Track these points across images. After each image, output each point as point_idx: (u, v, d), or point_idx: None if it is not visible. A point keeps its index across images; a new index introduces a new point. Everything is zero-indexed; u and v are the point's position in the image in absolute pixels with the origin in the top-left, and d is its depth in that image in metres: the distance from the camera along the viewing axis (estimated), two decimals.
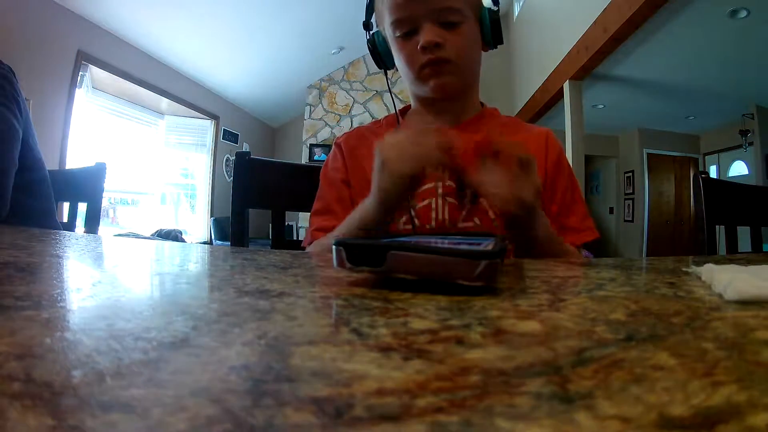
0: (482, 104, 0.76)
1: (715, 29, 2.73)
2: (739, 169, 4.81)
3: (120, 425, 0.07)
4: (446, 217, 0.66)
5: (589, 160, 5.29)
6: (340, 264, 0.21)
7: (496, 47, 0.70)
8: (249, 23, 3.80)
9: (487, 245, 0.22)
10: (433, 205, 0.66)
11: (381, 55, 0.70)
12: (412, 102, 0.76)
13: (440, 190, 0.67)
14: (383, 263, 0.20)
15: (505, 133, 0.69)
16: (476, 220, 0.66)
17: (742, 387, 0.09)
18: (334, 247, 0.21)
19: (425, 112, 0.73)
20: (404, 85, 0.73)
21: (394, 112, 0.75)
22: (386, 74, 0.75)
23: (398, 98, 0.79)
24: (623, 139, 5.93)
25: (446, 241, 0.27)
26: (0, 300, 0.16)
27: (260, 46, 4.21)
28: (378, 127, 0.77)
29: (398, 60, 0.68)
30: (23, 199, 0.86)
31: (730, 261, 0.30)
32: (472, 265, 0.18)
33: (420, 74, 0.65)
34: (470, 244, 0.24)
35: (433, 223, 0.66)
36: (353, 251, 0.21)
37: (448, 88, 0.66)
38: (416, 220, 0.65)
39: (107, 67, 3.55)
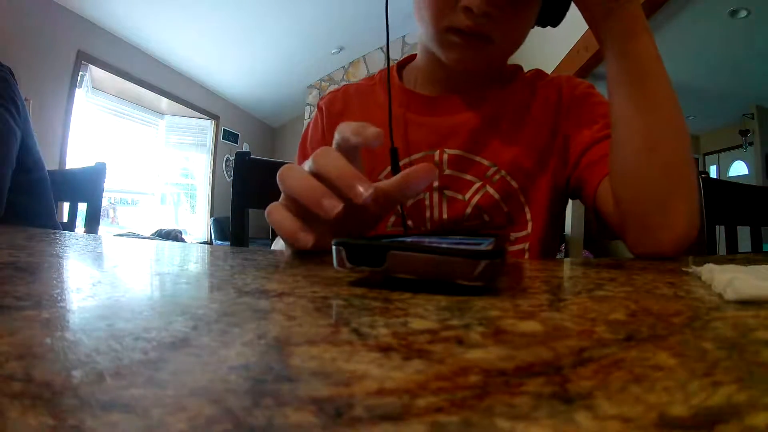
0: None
1: (715, 29, 2.73)
2: (739, 169, 4.82)
3: (120, 425, 0.07)
4: (445, 215, 0.54)
5: None
6: (340, 264, 0.21)
7: (545, 26, 0.53)
8: (249, 23, 3.80)
9: (488, 245, 0.22)
10: (427, 202, 0.54)
11: None
12: (419, 51, 0.58)
13: (436, 183, 0.54)
14: (383, 263, 0.20)
15: (522, 96, 0.56)
16: (485, 217, 0.53)
17: (742, 387, 0.09)
18: (334, 247, 0.21)
19: (432, 72, 0.56)
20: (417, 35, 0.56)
21: (391, 95, 0.56)
22: (386, 16, 0.55)
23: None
24: None
25: (446, 241, 0.27)
26: (0, 300, 0.16)
27: (260, 46, 4.21)
28: (371, 85, 0.62)
29: (419, 3, 0.49)
30: (23, 199, 0.86)
31: (730, 261, 0.30)
32: (472, 265, 0.18)
33: (443, 36, 0.48)
34: (470, 244, 0.24)
35: (428, 224, 0.54)
36: (353, 251, 0.21)
37: (474, 68, 0.50)
38: (409, 221, 0.54)
39: (107, 67, 3.56)
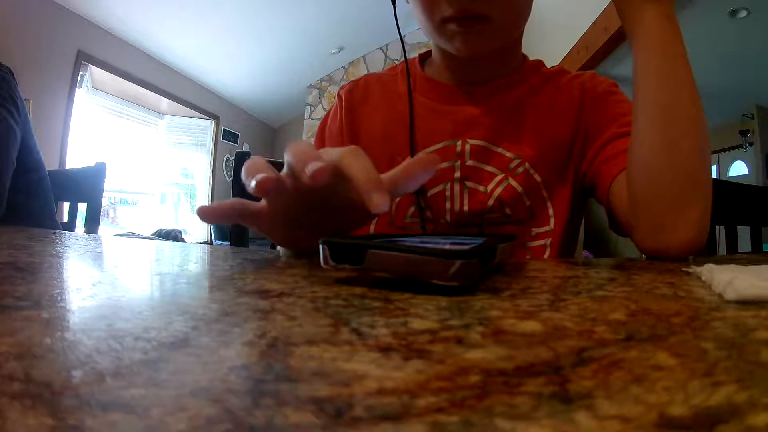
0: (524, 56, 0.59)
1: (715, 29, 2.73)
2: (739, 169, 4.81)
3: (120, 425, 0.07)
4: (466, 207, 0.52)
5: None
6: (325, 262, 0.22)
7: None
8: (249, 23, 3.79)
9: (469, 246, 0.22)
10: (448, 193, 0.53)
11: None
12: (432, 48, 0.59)
13: (458, 173, 0.53)
14: (363, 261, 0.20)
15: (546, 90, 0.56)
16: (507, 210, 0.52)
17: (742, 387, 0.09)
18: (320, 246, 0.22)
19: (448, 67, 0.56)
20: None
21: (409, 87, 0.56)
22: (396, 16, 0.57)
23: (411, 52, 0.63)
24: None
25: (437, 241, 0.27)
26: (0, 300, 0.16)
27: (260, 46, 4.21)
28: (392, 75, 0.61)
29: (413, 2, 0.50)
30: (23, 199, 0.86)
31: (730, 261, 0.30)
32: (446, 265, 0.18)
33: (441, 29, 0.48)
34: (456, 244, 0.24)
35: (448, 216, 0.53)
36: (335, 249, 0.21)
37: (482, 50, 0.49)
38: (427, 213, 0.53)
39: (107, 67, 3.55)
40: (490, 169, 0.53)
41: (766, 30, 2.66)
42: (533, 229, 0.53)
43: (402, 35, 0.59)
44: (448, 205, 0.53)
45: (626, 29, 0.43)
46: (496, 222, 0.53)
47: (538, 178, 0.52)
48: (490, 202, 0.52)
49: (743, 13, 2.56)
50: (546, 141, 0.53)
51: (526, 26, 0.54)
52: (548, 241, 0.53)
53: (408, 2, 0.53)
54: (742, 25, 2.67)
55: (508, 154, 0.53)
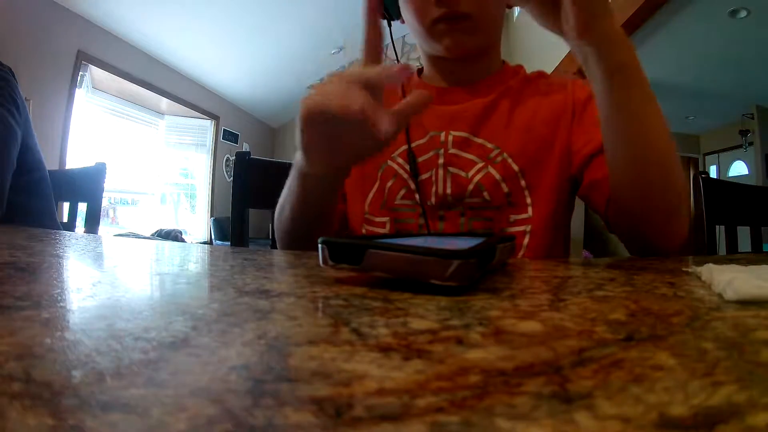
0: (504, 63, 0.66)
1: (715, 29, 2.73)
2: (739, 169, 4.81)
3: (120, 425, 0.07)
4: (448, 191, 0.58)
5: None
6: (324, 261, 0.22)
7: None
8: (249, 23, 3.80)
9: (468, 246, 0.22)
10: (434, 178, 0.58)
11: (384, 3, 0.58)
12: (423, 61, 0.66)
13: (441, 160, 0.58)
14: (362, 261, 0.20)
15: (526, 89, 0.61)
16: (486, 195, 0.56)
17: (742, 387, 0.09)
18: (319, 245, 0.22)
19: (436, 72, 0.63)
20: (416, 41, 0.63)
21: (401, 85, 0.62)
22: (389, 23, 0.61)
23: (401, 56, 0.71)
24: None
25: (432, 240, 0.27)
26: (0, 300, 0.16)
27: (260, 46, 4.21)
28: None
29: (405, 10, 0.57)
30: (23, 199, 0.86)
31: (730, 261, 0.30)
32: (444, 265, 0.19)
33: (432, 30, 0.55)
34: (452, 244, 0.23)
35: (433, 199, 0.58)
36: (334, 249, 0.21)
37: (466, 48, 0.56)
38: (416, 195, 0.58)
39: (107, 67, 3.56)
40: (471, 157, 0.58)
41: (766, 30, 2.66)
42: (511, 216, 0.57)
43: (400, 36, 0.62)
44: (433, 188, 0.58)
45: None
46: (476, 206, 0.57)
47: (515, 167, 0.57)
48: (470, 187, 0.57)
49: (743, 13, 2.56)
50: (525, 135, 0.58)
51: (525, 27, 0.57)
52: (527, 227, 0.57)
53: (402, 22, 0.60)
54: (742, 25, 2.67)
55: (489, 145, 0.58)
